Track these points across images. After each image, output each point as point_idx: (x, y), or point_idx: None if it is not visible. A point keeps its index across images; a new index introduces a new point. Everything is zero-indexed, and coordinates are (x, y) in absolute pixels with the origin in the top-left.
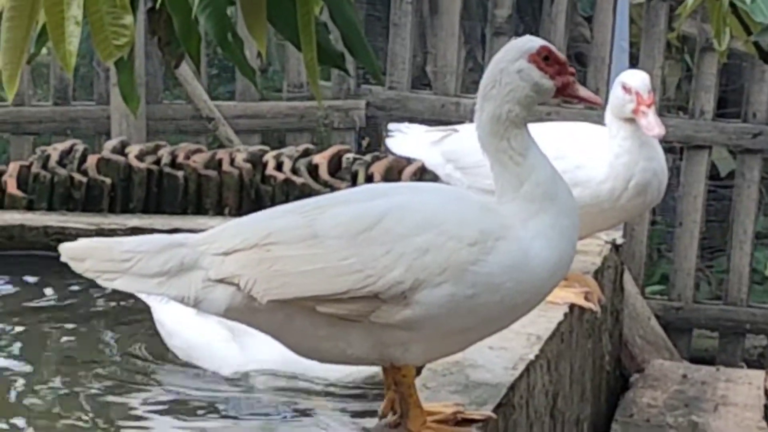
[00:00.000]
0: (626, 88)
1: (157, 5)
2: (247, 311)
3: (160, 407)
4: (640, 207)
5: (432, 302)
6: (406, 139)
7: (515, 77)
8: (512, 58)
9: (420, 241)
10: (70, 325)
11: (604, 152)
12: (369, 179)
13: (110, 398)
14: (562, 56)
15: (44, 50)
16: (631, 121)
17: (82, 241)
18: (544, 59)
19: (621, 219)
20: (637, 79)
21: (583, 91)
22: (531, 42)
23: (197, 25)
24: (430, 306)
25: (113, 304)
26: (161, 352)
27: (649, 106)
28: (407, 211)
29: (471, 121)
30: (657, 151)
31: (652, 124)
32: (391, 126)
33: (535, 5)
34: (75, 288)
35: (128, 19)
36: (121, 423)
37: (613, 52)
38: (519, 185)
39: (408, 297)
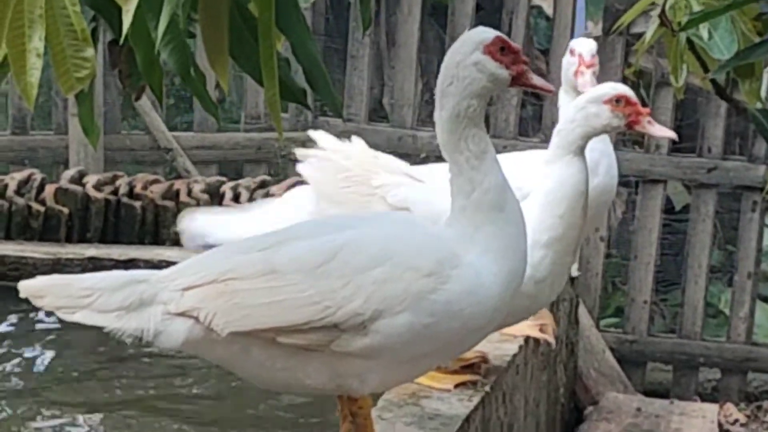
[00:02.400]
0: (571, 51)
1: (120, 40)
2: (205, 344)
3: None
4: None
5: (391, 331)
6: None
7: (472, 70)
8: (468, 50)
9: (377, 273)
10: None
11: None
12: None
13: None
14: (516, 46)
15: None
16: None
17: (41, 279)
18: (499, 50)
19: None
20: (583, 43)
21: (537, 80)
22: (485, 33)
23: (159, 59)
24: (389, 335)
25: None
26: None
27: (588, 67)
28: (363, 243)
29: (427, 154)
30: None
31: (587, 83)
32: None
33: None
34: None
35: (89, 51)
36: None
37: None
38: (471, 191)
39: (367, 326)
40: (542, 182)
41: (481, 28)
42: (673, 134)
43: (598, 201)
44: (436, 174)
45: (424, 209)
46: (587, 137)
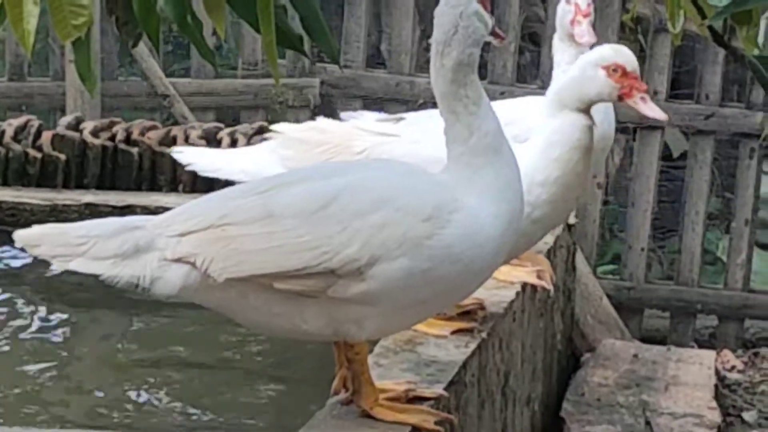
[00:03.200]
0: (617, 71)
1: None
2: (202, 290)
3: None
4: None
5: (388, 276)
6: (360, 123)
7: (474, 19)
8: (466, 1)
9: (375, 218)
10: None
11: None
12: None
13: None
14: None
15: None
16: (576, 45)
17: (36, 228)
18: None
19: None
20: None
21: (502, 33)
22: None
23: (155, 6)
24: (386, 280)
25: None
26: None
27: (585, 16)
28: (361, 188)
29: (425, 100)
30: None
31: (583, 32)
32: (344, 115)
33: None
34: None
35: None
36: None
37: None
38: (468, 136)
39: (364, 272)
40: (541, 130)
41: None
42: (664, 116)
43: (595, 148)
44: (409, 126)
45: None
46: (581, 101)
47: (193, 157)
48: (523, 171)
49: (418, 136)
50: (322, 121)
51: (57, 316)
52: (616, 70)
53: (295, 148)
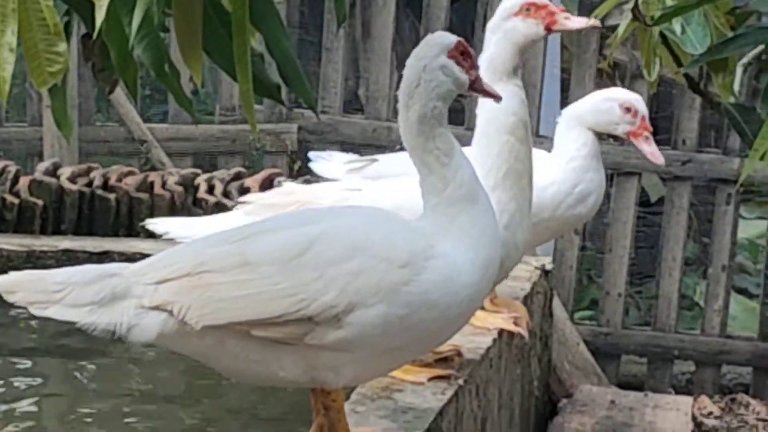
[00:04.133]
0: (630, 110)
1: (94, 35)
2: (179, 337)
3: None
4: (576, 219)
5: (365, 323)
6: (330, 164)
7: (438, 73)
8: (434, 54)
9: (351, 265)
10: None
11: (546, 162)
12: None
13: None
14: (472, 51)
15: None
16: (594, 132)
17: (13, 274)
18: (460, 54)
19: (555, 232)
20: (642, 102)
21: (488, 86)
22: (449, 38)
23: (133, 54)
24: (363, 327)
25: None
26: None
27: (651, 132)
28: (337, 236)
29: (401, 146)
30: (601, 167)
31: (657, 153)
32: (312, 154)
33: (468, 30)
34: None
35: (62, 46)
36: None
37: (545, 78)
38: (443, 187)
39: (341, 319)
40: (478, 122)
41: (443, 33)
42: (594, 22)
43: (573, 224)
44: (371, 180)
45: None
46: (514, 57)
47: (168, 227)
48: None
49: (379, 189)
50: (287, 185)
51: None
52: (528, 9)
53: (266, 213)
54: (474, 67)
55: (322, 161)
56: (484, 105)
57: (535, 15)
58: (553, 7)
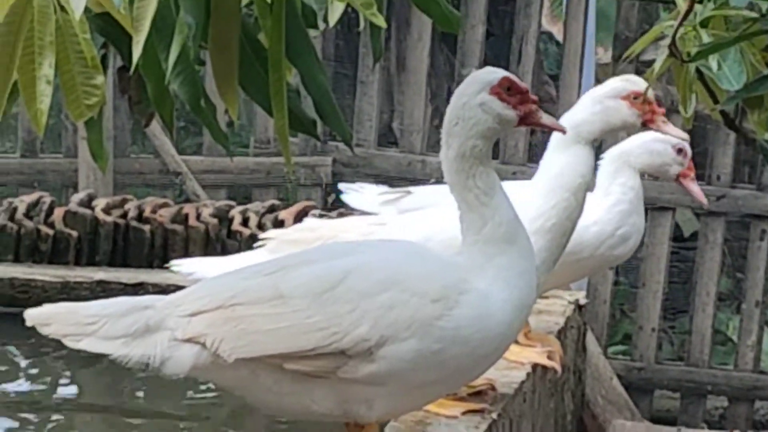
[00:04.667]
0: (682, 151)
1: (131, 70)
2: (213, 369)
3: None
4: (614, 260)
5: (398, 357)
6: (363, 197)
7: (478, 111)
8: (474, 91)
9: (384, 299)
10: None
11: (590, 202)
12: None
13: None
14: (523, 85)
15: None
16: (638, 173)
17: (47, 307)
18: (506, 90)
19: (592, 270)
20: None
21: (546, 119)
22: (493, 74)
23: (169, 89)
24: (396, 361)
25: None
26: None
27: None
28: (370, 269)
29: (437, 179)
30: (642, 209)
31: (702, 194)
32: (343, 186)
33: (502, 64)
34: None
35: (99, 78)
36: None
37: None
38: (482, 225)
39: (374, 353)
40: (545, 168)
41: (488, 69)
42: (685, 135)
43: (612, 263)
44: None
45: None
46: (602, 132)
47: (193, 267)
48: (522, 218)
49: (405, 223)
50: (310, 221)
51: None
52: (636, 98)
53: (289, 250)
54: (525, 101)
55: (354, 193)
56: (556, 156)
57: (640, 107)
58: (657, 107)
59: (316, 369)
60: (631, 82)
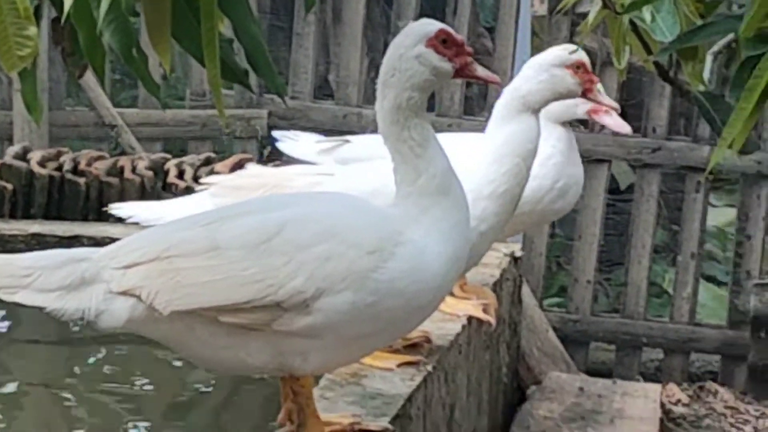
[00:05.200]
0: (581, 68)
1: (62, 18)
2: (148, 322)
3: None
4: (553, 214)
5: (333, 309)
6: (299, 145)
7: (414, 63)
8: (410, 43)
9: (320, 251)
10: None
11: None
12: None
13: None
14: (459, 38)
15: None
16: (564, 124)
17: None
18: (442, 42)
19: (531, 226)
20: (614, 103)
21: (481, 72)
22: (429, 26)
23: (101, 39)
24: (331, 313)
25: None
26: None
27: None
28: (306, 221)
29: (372, 131)
30: (579, 160)
31: (622, 122)
32: (278, 133)
33: (438, 16)
34: None
35: (32, 30)
36: None
37: (515, 65)
38: (416, 177)
39: (310, 305)
40: (490, 137)
41: (424, 21)
42: (616, 105)
43: (552, 218)
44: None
45: None
46: (548, 101)
47: (133, 211)
48: (471, 184)
49: (353, 174)
50: (253, 168)
51: None
52: (579, 68)
53: (232, 195)
54: (461, 53)
55: (290, 141)
56: (502, 126)
57: (581, 76)
58: (594, 77)
59: (252, 322)
60: (575, 53)
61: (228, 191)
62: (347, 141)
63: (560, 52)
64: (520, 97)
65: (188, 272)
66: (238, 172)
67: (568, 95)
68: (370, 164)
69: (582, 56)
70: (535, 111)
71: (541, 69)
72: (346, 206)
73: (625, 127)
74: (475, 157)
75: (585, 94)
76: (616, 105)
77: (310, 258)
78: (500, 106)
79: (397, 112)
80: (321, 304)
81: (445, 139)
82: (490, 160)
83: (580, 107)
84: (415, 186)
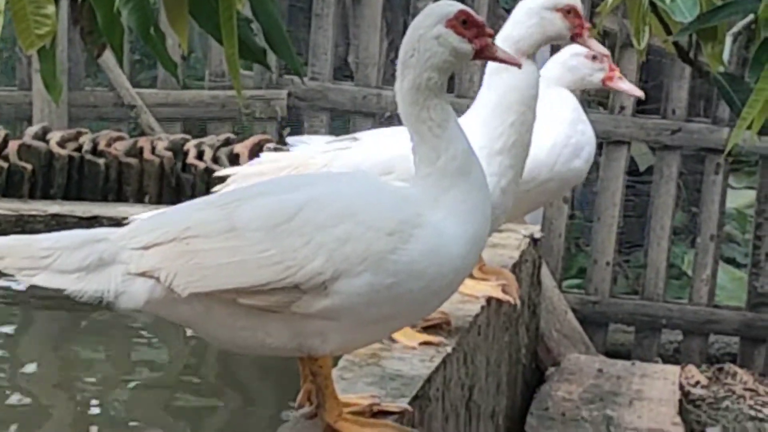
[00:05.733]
0: (597, 58)
1: None
2: (167, 304)
3: None
4: (573, 175)
5: (352, 291)
6: (311, 148)
7: (433, 43)
8: (430, 24)
9: (339, 232)
10: None
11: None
12: None
13: None
14: (480, 19)
15: None
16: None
17: (1, 239)
18: (462, 23)
19: (551, 195)
20: (604, 48)
21: (501, 53)
22: (449, 7)
23: (120, 18)
24: (350, 295)
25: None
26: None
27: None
28: (325, 202)
29: (391, 113)
30: (587, 120)
31: (635, 87)
32: (290, 139)
33: None
34: None
35: (50, 8)
36: None
37: None
38: (435, 158)
39: (328, 287)
40: (487, 88)
41: (445, 1)
42: (606, 51)
43: (570, 182)
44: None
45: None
46: (539, 44)
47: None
48: (483, 142)
49: (369, 144)
50: (269, 154)
51: None
52: (569, 12)
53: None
54: (481, 35)
55: (303, 145)
56: (500, 75)
57: (571, 20)
58: (585, 22)
59: (271, 304)
60: None
61: (252, 179)
62: (356, 139)
63: None
64: (514, 43)
65: (206, 254)
66: (254, 160)
67: (557, 38)
68: (386, 134)
69: (572, 1)
70: (530, 56)
71: (532, 12)
72: (365, 187)
73: (637, 91)
74: (478, 112)
75: (574, 38)
76: (605, 51)
77: (329, 239)
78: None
79: (417, 93)
80: (340, 285)
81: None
82: (495, 113)
83: (595, 75)
84: (434, 167)
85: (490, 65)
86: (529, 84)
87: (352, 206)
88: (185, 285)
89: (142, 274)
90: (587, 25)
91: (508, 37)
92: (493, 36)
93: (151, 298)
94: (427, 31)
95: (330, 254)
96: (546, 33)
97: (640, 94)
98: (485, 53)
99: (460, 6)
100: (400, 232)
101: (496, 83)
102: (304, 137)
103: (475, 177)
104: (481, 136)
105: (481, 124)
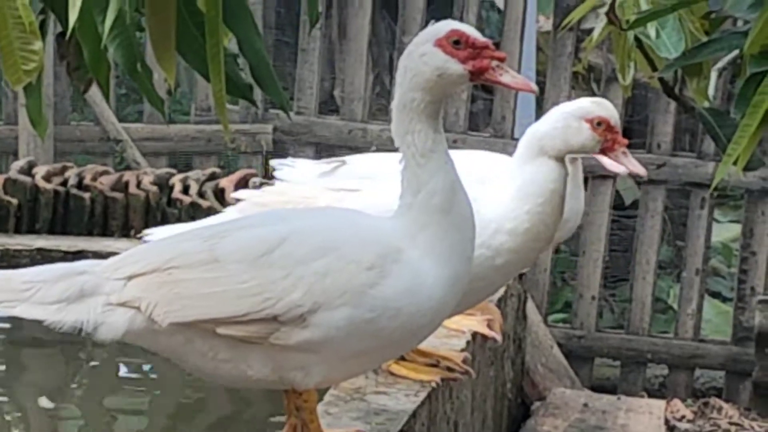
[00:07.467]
0: (602, 125)
1: (67, 33)
2: (147, 334)
3: None
4: (554, 242)
5: (330, 325)
6: (297, 171)
7: (419, 62)
8: (420, 42)
9: (319, 265)
10: None
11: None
12: None
13: None
14: (479, 40)
15: None
16: (570, 159)
17: None
18: (453, 43)
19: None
20: (615, 112)
21: (506, 78)
22: (444, 26)
23: (106, 54)
24: (329, 328)
25: None
26: None
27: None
28: (306, 235)
29: (377, 147)
30: (580, 191)
31: (639, 166)
32: (275, 162)
33: None
34: None
35: (37, 44)
36: None
37: None
38: (417, 190)
39: (307, 319)
40: (513, 176)
41: (441, 22)
42: (643, 171)
43: (553, 244)
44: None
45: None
46: (562, 151)
47: (164, 233)
48: (492, 215)
49: (379, 190)
50: (280, 185)
51: None
52: (600, 124)
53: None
54: (480, 56)
55: (288, 168)
56: (523, 164)
57: (602, 133)
58: (621, 138)
59: (249, 334)
60: (601, 107)
61: (255, 208)
62: (344, 162)
63: (586, 103)
64: (537, 139)
65: (187, 284)
66: (265, 188)
67: (582, 150)
68: (376, 159)
69: (606, 113)
70: (553, 158)
71: (560, 116)
72: (346, 221)
73: (641, 170)
74: (504, 188)
75: (604, 152)
76: (643, 171)
77: (309, 272)
78: (521, 145)
79: (402, 113)
80: (318, 318)
81: (479, 156)
82: (514, 196)
83: (593, 145)
84: (416, 199)
85: (517, 152)
86: (547, 179)
87: (332, 240)
88: (165, 315)
89: (123, 304)
90: (622, 141)
91: (535, 132)
92: (501, 59)
93: (131, 328)
94: (416, 49)
95: (309, 287)
96: (569, 141)
97: (642, 172)
98: (486, 76)
99: (456, 25)
100: (380, 267)
101: (519, 171)
102: (288, 160)
103: (457, 215)
104: (498, 212)
105: (503, 199)
